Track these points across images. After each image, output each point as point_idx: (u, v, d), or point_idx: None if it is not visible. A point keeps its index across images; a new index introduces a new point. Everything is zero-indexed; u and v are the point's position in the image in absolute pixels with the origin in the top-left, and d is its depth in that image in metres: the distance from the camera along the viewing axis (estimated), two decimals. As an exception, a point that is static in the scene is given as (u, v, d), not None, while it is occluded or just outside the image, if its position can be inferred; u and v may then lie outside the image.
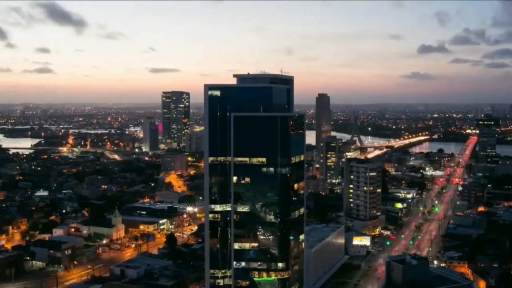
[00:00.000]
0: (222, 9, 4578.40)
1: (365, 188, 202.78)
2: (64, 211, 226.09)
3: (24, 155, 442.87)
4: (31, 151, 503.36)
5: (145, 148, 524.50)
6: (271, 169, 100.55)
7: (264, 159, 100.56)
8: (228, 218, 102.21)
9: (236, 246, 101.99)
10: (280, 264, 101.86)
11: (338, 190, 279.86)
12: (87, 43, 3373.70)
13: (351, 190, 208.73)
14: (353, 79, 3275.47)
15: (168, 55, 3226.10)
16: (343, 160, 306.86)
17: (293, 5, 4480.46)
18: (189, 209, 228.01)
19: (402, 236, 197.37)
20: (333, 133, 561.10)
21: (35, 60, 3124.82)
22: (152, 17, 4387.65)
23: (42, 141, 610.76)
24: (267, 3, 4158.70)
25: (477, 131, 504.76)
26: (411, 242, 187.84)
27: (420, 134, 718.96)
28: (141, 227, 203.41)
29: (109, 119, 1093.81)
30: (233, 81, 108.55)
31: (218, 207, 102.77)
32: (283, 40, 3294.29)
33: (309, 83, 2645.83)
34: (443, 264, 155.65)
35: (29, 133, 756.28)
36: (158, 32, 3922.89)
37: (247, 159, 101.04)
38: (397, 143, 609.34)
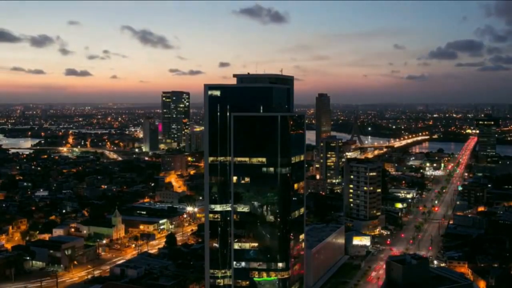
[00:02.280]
0: (248, 11, 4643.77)
1: (365, 188, 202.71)
2: (64, 211, 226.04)
3: (24, 155, 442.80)
4: (31, 151, 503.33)
5: (145, 148, 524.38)
6: (271, 169, 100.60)
7: (264, 159, 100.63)
8: (228, 218, 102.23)
9: (236, 246, 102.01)
10: (280, 264, 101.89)
11: (338, 190, 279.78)
12: (134, 50, 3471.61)
13: (351, 190, 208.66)
14: (355, 78, 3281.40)
15: (195, 57, 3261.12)
16: (343, 160, 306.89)
17: (321, 5, 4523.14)
18: (189, 209, 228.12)
19: (402, 236, 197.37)
20: (333, 133, 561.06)
21: (76, 64, 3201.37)
22: (195, 25, 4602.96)
23: (42, 141, 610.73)
24: (295, 3, 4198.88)
25: (477, 131, 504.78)
26: (411, 242, 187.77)
27: (420, 134, 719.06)
28: (141, 227, 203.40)
29: (109, 119, 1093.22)
30: (234, 81, 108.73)
31: (218, 207, 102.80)
32: (301, 39, 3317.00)
33: (313, 83, 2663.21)
34: (443, 264, 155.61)
35: (29, 133, 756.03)
36: (191, 37, 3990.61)
37: (247, 159, 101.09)
38: (397, 143, 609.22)
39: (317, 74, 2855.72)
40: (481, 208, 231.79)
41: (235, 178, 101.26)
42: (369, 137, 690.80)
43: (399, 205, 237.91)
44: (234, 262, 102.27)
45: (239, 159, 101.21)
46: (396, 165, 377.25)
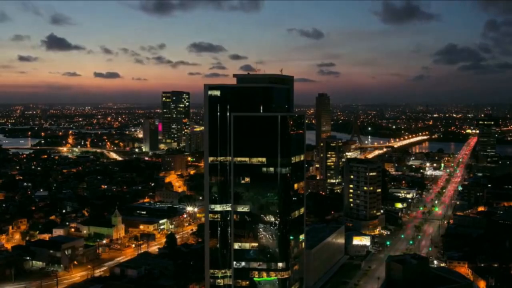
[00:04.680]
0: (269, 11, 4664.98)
1: (365, 188, 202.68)
2: (64, 211, 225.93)
3: (24, 155, 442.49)
4: (31, 151, 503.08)
5: (145, 148, 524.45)
6: (271, 169, 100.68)
7: (264, 159, 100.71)
8: (228, 218, 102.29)
9: (236, 246, 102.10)
10: (280, 264, 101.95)
11: (338, 190, 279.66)
12: (182, 56, 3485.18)
13: (351, 190, 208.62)
14: (358, 78, 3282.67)
15: (229, 65, 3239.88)
16: (343, 160, 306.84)
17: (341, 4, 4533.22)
18: (189, 209, 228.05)
19: (402, 236, 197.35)
20: (333, 133, 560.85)
21: (113, 68, 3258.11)
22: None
23: (42, 141, 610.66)
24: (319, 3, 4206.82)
25: (477, 131, 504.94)
26: (411, 242, 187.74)
27: (420, 134, 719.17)
28: (141, 227, 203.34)
29: (109, 119, 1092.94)
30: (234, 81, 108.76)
31: (218, 207, 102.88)
32: (315, 39, 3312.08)
33: (324, 82, 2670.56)
34: (443, 264, 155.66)
35: (29, 133, 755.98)
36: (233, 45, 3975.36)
37: (247, 159, 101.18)
38: (397, 143, 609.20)
39: (328, 75, 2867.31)
40: (481, 208, 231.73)
41: (235, 178, 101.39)
42: (369, 137, 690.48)
43: (399, 205, 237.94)
44: (234, 262, 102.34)
45: (239, 159, 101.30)
46: (396, 165, 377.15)
